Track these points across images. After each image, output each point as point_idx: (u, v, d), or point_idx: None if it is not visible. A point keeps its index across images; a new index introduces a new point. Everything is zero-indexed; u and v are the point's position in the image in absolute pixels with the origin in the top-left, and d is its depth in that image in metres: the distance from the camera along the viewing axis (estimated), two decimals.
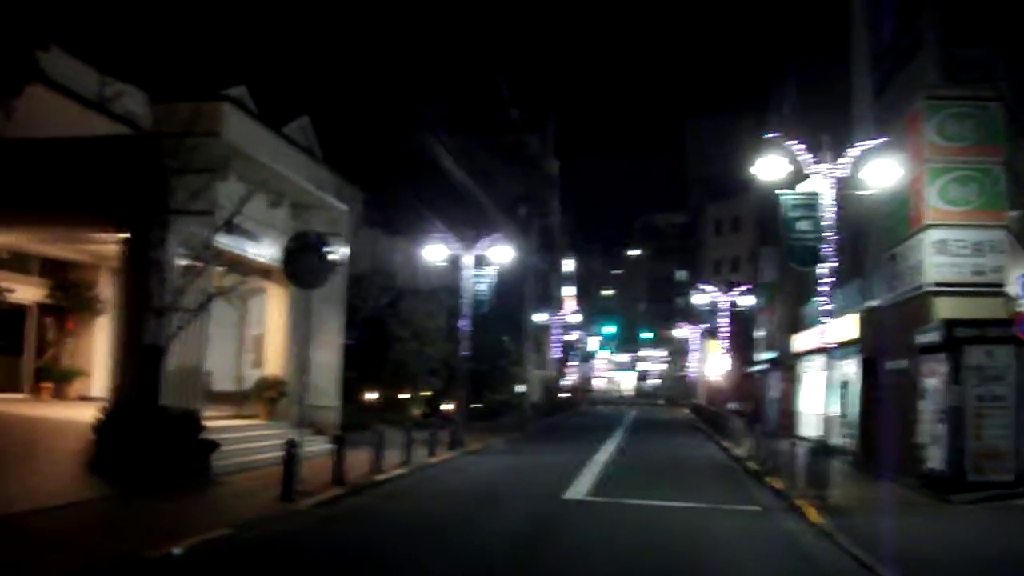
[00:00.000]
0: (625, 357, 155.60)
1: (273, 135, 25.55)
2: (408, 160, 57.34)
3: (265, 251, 25.02)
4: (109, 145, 20.97)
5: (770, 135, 21.34)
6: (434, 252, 33.01)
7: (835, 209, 20.17)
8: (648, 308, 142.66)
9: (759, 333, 56.39)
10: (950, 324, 20.71)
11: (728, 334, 54.59)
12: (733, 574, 13.21)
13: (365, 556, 13.39)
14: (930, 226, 22.89)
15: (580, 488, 21.54)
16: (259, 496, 17.29)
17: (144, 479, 17.12)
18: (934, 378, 21.37)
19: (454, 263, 33.78)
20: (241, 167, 22.38)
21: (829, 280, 20.24)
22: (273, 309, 28.15)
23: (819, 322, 20.29)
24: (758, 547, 15.19)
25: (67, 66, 21.31)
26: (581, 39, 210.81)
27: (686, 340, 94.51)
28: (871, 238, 29.12)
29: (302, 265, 18.69)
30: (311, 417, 26.85)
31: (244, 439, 22.96)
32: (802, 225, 20.02)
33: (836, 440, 28.62)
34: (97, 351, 28.11)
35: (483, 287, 33.08)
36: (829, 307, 20.39)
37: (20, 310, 27.38)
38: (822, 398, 36.47)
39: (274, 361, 27.62)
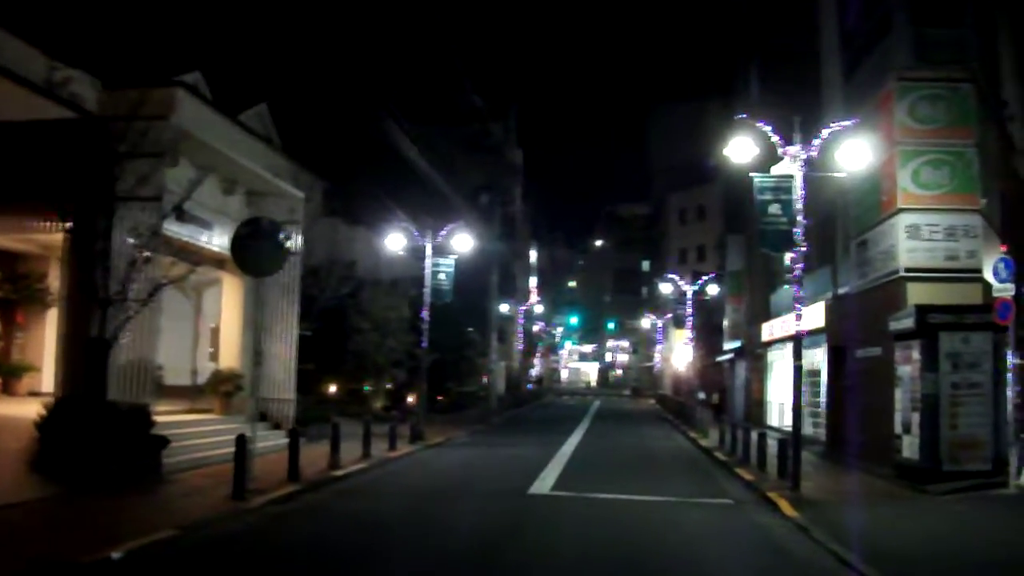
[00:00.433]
0: (590, 347, 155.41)
1: (227, 121, 24.80)
2: (370, 150, 56.68)
3: (219, 240, 24.16)
4: (52, 129, 20.02)
5: (740, 116, 20.67)
6: (394, 241, 32.22)
7: (804, 193, 19.59)
8: (613, 298, 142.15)
9: (726, 322, 56.00)
10: (924, 310, 20.19)
11: (694, 323, 54.13)
12: (708, 572, 12.55)
13: (317, 557, 12.64)
14: (902, 210, 22.45)
15: (545, 482, 20.83)
16: (210, 494, 16.48)
17: (89, 478, 16.31)
18: (908, 366, 20.84)
19: (415, 253, 33.05)
20: (193, 152, 21.58)
21: (800, 266, 19.63)
22: (228, 300, 27.36)
23: (794, 309, 19.64)
24: (732, 542, 14.57)
25: (13, 48, 20.43)
26: (543, 27, 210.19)
27: (651, 330, 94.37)
28: (839, 224, 28.71)
29: (253, 252, 17.83)
30: (268, 411, 26.27)
31: (197, 434, 22.17)
32: (774, 209, 19.38)
33: (805, 430, 28.23)
34: (48, 345, 27.11)
35: (444, 276, 32.33)
36: (801, 294, 19.75)
37: None
38: (789, 387, 36.42)
39: (229, 354, 26.83)
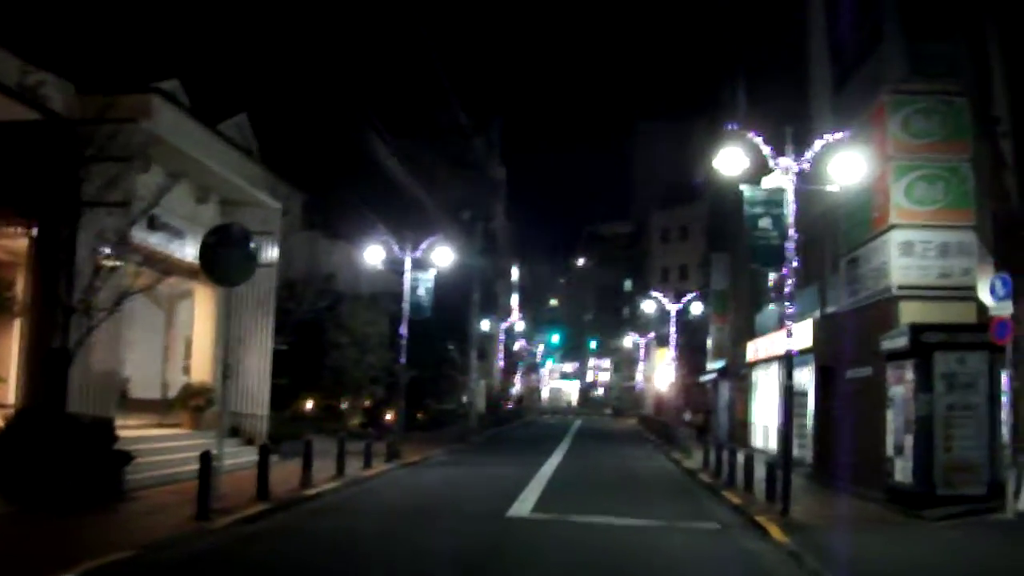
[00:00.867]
0: (572, 366, 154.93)
1: (204, 129, 24.32)
2: (352, 164, 56.23)
3: (192, 250, 23.33)
4: (17, 132, 19.28)
5: (731, 127, 20.05)
6: (373, 254, 31.51)
7: (796, 207, 18.98)
8: (595, 317, 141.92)
9: (709, 341, 55.43)
10: (919, 329, 19.49)
11: (677, 343, 53.59)
12: None
13: None
14: (895, 226, 21.83)
15: (525, 504, 20.05)
16: (173, 513, 15.71)
17: (46, 495, 15.54)
18: (901, 386, 20.14)
19: (395, 267, 32.39)
20: (165, 159, 20.94)
21: (791, 282, 18.99)
22: (200, 312, 26.57)
23: (784, 327, 19.03)
24: (720, 570, 13.87)
25: None
26: (528, 45, 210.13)
27: (633, 349, 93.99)
28: (826, 242, 28.09)
29: (222, 260, 17.09)
30: (240, 426, 25.59)
31: (165, 450, 21.45)
32: (764, 223, 18.77)
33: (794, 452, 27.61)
34: (15, 355, 26.30)
35: (423, 291, 31.64)
36: (792, 311, 19.10)
37: None
38: (776, 408, 35.79)
39: (201, 367, 26.04)
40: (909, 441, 19.50)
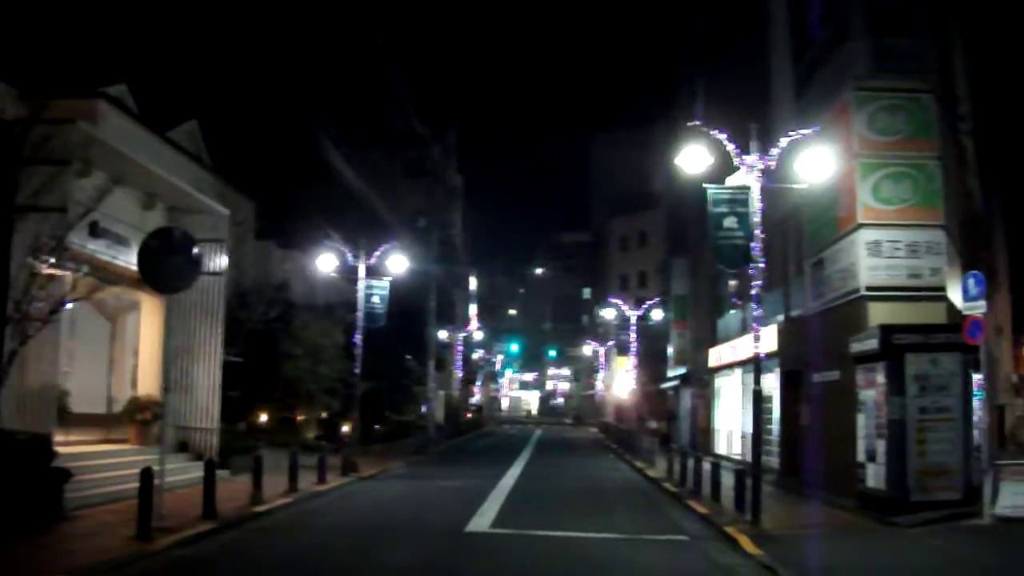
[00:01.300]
0: (531, 376, 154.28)
1: (150, 134, 23.63)
2: (307, 173, 55.64)
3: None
4: None
5: (693, 123, 19.38)
6: (325, 262, 30.68)
7: (762, 205, 18.35)
8: (554, 326, 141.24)
9: (671, 348, 54.88)
10: (889, 330, 18.94)
11: (638, 350, 53.04)
12: None
13: None
14: (863, 226, 21.31)
15: (485, 518, 19.25)
16: (112, 534, 14.78)
17: None
18: (872, 390, 19.54)
19: (349, 275, 31.56)
20: (107, 163, 19.93)
21: (758, 283, 18.34)
22: (147, 322, 25.60)
23: (751, 330, 18.39)
24: None
25: None
26: (485, 53, 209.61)
27: (593, 357, 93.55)
28: (790, 245, 27.59)
29: (164, 266, 16.23)
30: (189, 441, 24.71)
31: (109, 466, 20.46)
32: (729, 222, 18.13)
33: None
34: None
35: (378, 299, 30.79)
36: (759, 313, 18.45)
37: None
38: (739, 414, 35.27)
39: (148, 380, 25.04)
40: (881, 446, 18.92)
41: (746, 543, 15.62)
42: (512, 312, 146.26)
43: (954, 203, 23.50)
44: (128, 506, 16.76)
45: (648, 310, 52.61)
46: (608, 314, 64.40)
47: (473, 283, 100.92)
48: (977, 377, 19.45)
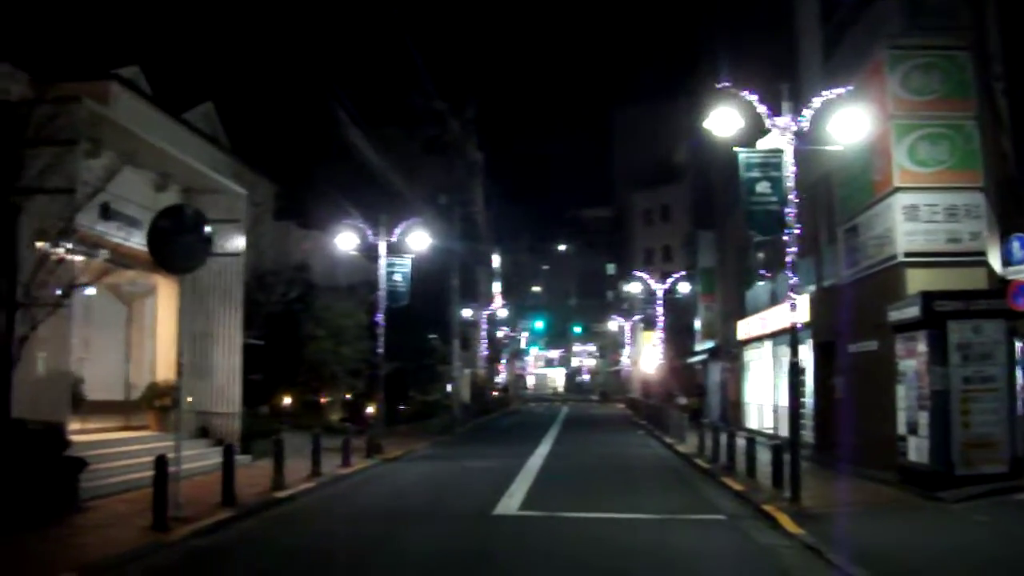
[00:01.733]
0: (557, 353, 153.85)
1: (163, 115, 23.30)
2: (327, 153, 55.19)
3: None
4: None
5: (722, 84, 18.59)
6: (346, 240, 30.10)
7: (796, 169, 17.61)
8: (579, 303, 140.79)
9: (698, 321, 54.13)
10: (931, 297, 18.14)
11: (664, 324, 52.34)
12: None
13: None
14: (899, 189, 20.54)
15: (513, 500, 18.68)
16: (128, 524, 14.30)
17: None
18: (912, 359, 18.74)
19: (370, 254, 31.01)
20: (118, 143, 19.39)
21: (793, 250, 17.61)
22: (164, 307, 25.12)
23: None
24: (736, 570, 12.42)
25: None
26: (504, 29, 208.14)
27: (619, 333, 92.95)
28: (820, 212, 26.82)
29: (175, 246, 15.64)
30: (210, 426, 24.28)
31: (127, 454, 20.01)
32: (762, 187, 17.40)
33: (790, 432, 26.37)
34: None
35: (400, 277, 30.23)
36: (795, 281, 17.73)
37: None
38: (770, 388, 34.58)
39: (167, 365, 24.53)
40: (924, 418, 18.14)
41: (786, 522, 14.98)
42: (536, 289, 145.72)
43: (990, 165, 22.71)
44: (146, 495, 16.18)
45: (675, 283, 51.88)
46: (634, 288, 63.66)
47: (496, 261, 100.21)
48: (1020, 345, 18.74)
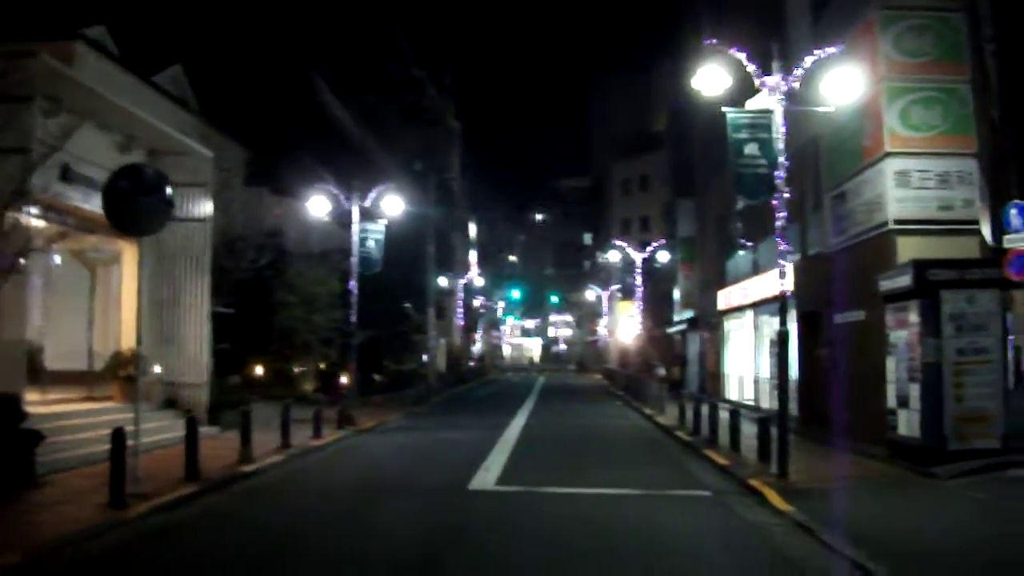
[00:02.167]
0: (533, 323, 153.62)
1: (128, 75, 22.60)
2: (301, 118, 54.19)
3: None
4: None
5: (708, 41, 17.87)
6: (318, 205, 29.30)
7: (786, 130, 16.93)
8: (555, 272, 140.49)
9: (677, 291, 53.61)
10: (923, 265, 17.50)
11: (643, 294, 51.78)
12: None
13: None
14: (890, 154, 19.88)
15: (490, 474, 18.00)
16: (84, 502, 13.50)
17: None
18: (904, 330, 18.15)
19: (343, 219, 30.26)
20: (78, 102, 18.57)
21: (783, 215, 16.96)
22: (128, 273, 24.21)
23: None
24: (725, 550, 11.72)
25: None
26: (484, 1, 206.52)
27: (596, 303, 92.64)
28: (806, 178, 26.12)
29: (134, 207, 14.79)
30: (178, 396, 23.51)
31: (88, 426, 19.15)
32: (751, 149, 16.74)
33: (771, 404, 25.77)
34: None
35: (373, 244, 29.48)
36: (785, 247, 17.10)
37: None
38: (751, 358, 34.04)
39: (131, 334, 23.71)
40: (915, 391, 17.57)
41: (774, 498, 14.37)
42: (513, 259, 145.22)
43: (982, 131, 22.11)
44: (105, 469, 15.51)
45: (655, 252, 51.31)
46: (612, 257, 63.08)
47: (473, 229, 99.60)
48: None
